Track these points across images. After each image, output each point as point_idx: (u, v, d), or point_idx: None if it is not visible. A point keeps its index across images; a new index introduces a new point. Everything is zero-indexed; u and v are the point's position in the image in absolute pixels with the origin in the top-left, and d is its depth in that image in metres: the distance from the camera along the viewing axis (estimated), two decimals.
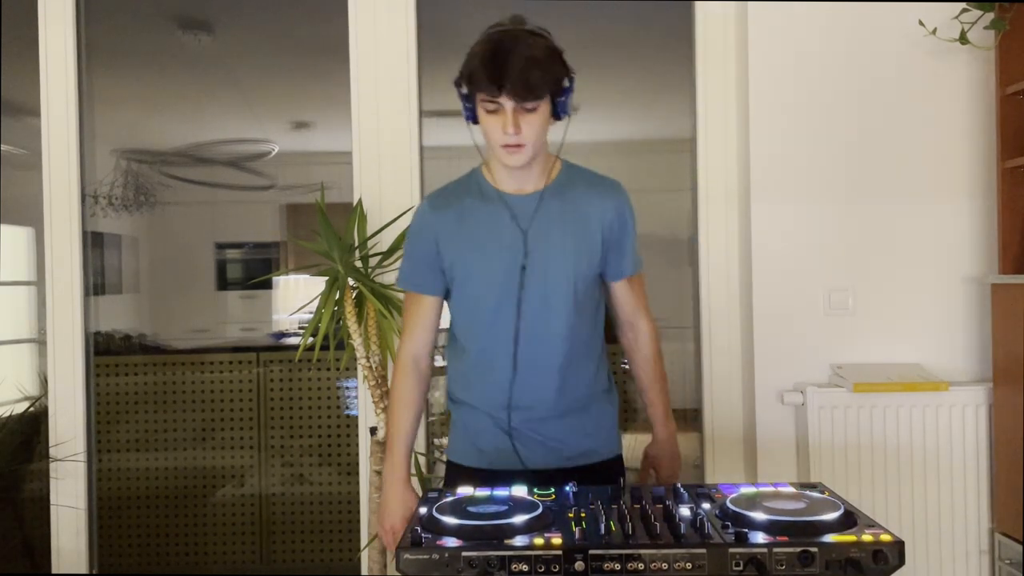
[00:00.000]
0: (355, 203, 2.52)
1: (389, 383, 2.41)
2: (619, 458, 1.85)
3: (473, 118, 1.69)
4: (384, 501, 1.80)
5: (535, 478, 1.62)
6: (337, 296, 2.33)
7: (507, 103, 1.60)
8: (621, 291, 1.83)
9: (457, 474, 1.81)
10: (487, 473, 1.75)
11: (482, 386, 1.78)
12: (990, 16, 2.37)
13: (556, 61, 1.65)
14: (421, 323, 1.82)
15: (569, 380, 1.76)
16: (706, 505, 1.37)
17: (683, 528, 1.24)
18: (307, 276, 2.50)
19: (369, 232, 2.46)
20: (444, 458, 1.91)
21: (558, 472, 1.70)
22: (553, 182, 1.76)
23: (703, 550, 1.17)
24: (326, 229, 2.34)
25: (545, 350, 1.74)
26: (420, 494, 1.72)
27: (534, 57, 1.60)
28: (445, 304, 1.84)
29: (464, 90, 1.68)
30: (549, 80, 1.62)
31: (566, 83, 1.66)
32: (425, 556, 1.18)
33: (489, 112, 1.63)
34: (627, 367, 1.94)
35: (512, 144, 1.63)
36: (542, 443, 1.75)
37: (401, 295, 2.46)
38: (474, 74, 1.62)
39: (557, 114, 1.68)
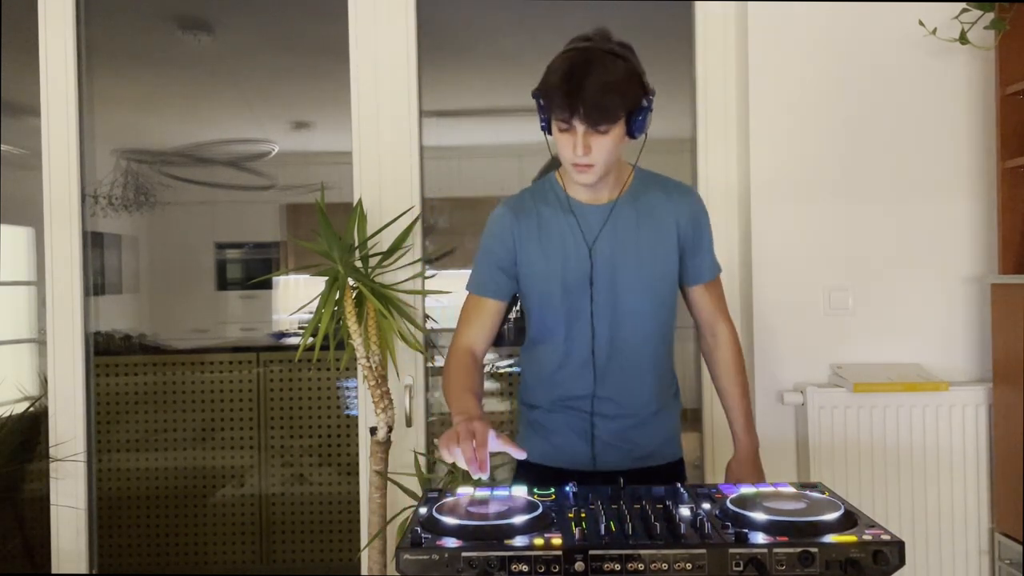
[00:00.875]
0: (355, 203, 2.52)
1: (389, 383, 2.42)
2: (681, 461, 1.89)
3: (548, 129, 1.69)
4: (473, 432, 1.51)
5: (603, 479, 1.63)
6: (337, 296, 2.33)
7: (579, 126, 1.61)
8: (699, 296, 1.85)
9: (528, 472, 1.81)
10: (556, 472, 1.78)
11: (563, 390, 1.80)
12: (990, 16, 2.37)
13: (634, 84, 1.63)
14: (480, 320, 1.81)
15: (650, 385, 1.79)
16: (706, 505, 1.37)
17: (683, 528, 1.24)
18: (307, 276, 2.50)
19: (369, 232, 2.46)
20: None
21: (626, 473, 1.69)
22: (626, 192, 1.77)
23: (703, 550, 1.17)
24: (326, 229, 2.34)
25: (625, 357, 1.76)
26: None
27: (610, 82, 1.58)
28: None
29: (541, 102, 1.67)
30: (624, 105, 1.61)
31: (644, 103, 1.65)
32: (425, 556, 1.18)
33: (562, 131, 1.64)
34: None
35: (582, 164, 1.64)
36: (617, 446, 1.78)
37: (402, 295, 2.47)
38: (549, 94, 1.62)
39: (632, 132, 1.67)
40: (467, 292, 1.86)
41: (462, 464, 1.41)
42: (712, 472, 2.64)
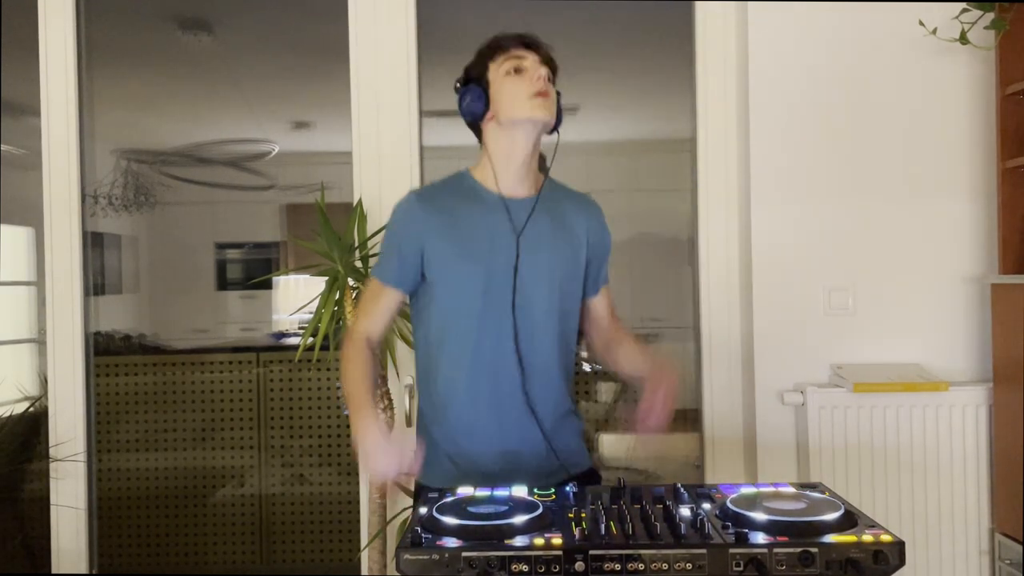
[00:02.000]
0: (355, 203, 2.52)
1: (389, 383, 2.42)
2: (594, 471, 1.87)
3: (482, 106, 1.71)
4: (369, 453, 1.61)
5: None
6: (337, 296, 2.33)
7: (533, 57, 1.69)
8: (599, 302, 1.89)
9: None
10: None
11: (485, 393, 1.73)
12: (990, 16, 2.37)
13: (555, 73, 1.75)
14: (380, 310, 1.79)
15: (561, 386, 1.79)
16: (706, 505, 1.37)
17: (683, 528, 1.24)
18: (307, 276, 2.50)
19: (369, 232, 2.46)
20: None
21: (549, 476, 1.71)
22: (543, 190, 1.78)
23: (703, 550, 1.17)
24: (326, 229, 2.34)
25: (543, 353, 1.74)
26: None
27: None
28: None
29: (474, 74, 1.73)
30: (554, 76, 1.72)
31: (560, 101, 1.75)
32: (425, 556, 1.18)
33: (515, 72, 1.69)
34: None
35: (543, 91, 1.68)
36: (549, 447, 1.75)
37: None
38: (501, 43, 1.71)
39: (554, 126, 1.75)
40: (371, 277, 1.82)
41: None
42: (712, 472, 2.64)
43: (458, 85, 1.76)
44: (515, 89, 1.68)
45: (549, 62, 1.72)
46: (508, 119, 1.70)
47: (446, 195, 1.78)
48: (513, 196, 1.75)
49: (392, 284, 1.77)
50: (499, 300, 1.71)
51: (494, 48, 1.71)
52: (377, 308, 1.79)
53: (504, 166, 1.74)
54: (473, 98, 1.71)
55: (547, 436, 1.74)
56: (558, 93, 1.74)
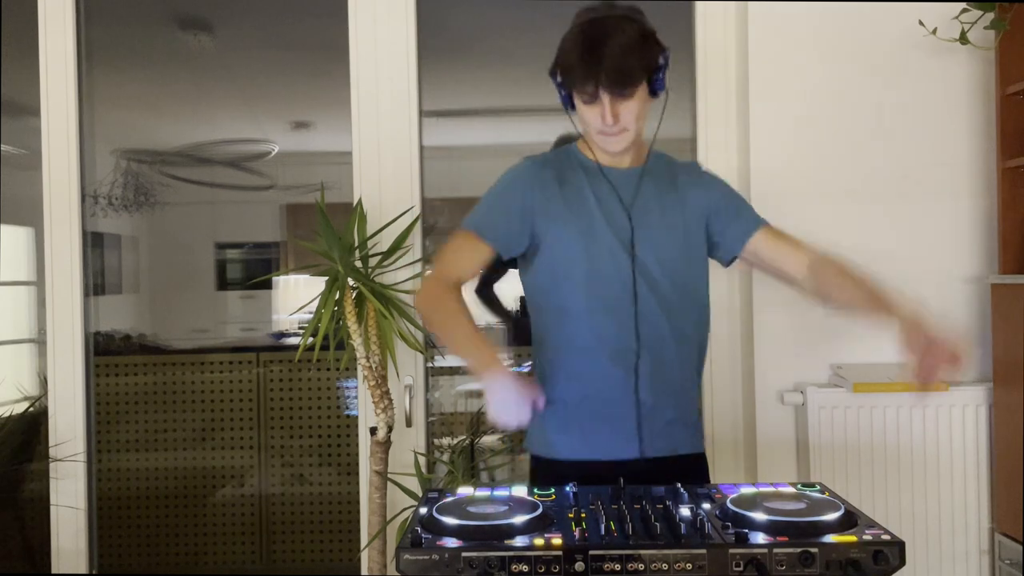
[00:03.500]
0: (355, 203, 2.52)
1: (389, 383, 2.41)
2: (703, 456, 1.85)
3: (570, 104, 1.70)
4: (501, 402, 1.52)
5: (647, 467, 1.64)
6: (337, 296, 2.33)
7: (603, 95, 1.62)
8: (764, 243, 1.80)
9: (552, 470, 1.72)
10: (593, 464, 1.69)
11: (597, 370, 1.71)
12: (990, 16, 2.36)
13: (649, 43, 1.65)
14: (473, 260, 1.73)
15: (683, 363, 1.77)
16: (706, 505, 1.37)
17: (683, 528, 1.24)
18: (307, 276, 2.50)
19: (369, 232, 2.46)
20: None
21: (663, 461, 1.70)
22: (649, 161, 1.78)
23: (703, 550, 1.17)
24: (326, 229, 2.34)
25: (659, 327, 1.71)
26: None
27: (627, 46, 1.60)
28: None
29: (559, 79, 1.69)
30: (643, 66, 1.63)
31: (660, 61, 1.66)
32: (425, 556, 1.18)
33: (586, 103, 1.65)
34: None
35: (613, 132, 1.66)
36: (665, 426, 1.73)
37: (402, 295, 2.47)
38: (568, 69, 1.64)
39: (654, 91, 1.68)
40: (463, 229, 1.74)
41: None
42: (712, 472, 2.62)
43: (554, 76, 1.70)
44: (588, 118, 1.67)
45: (626, 82, 1.60)
46: (587, 137, 1.73)
47: (557, 162, 1.78)
48: (615, 166, 1.75)
49: (490, 240, 1.71)
50: (619, 272, 1.70)
51: (566, 71, 1.65)
52: (471, 256, 1.73)
53: (598, 151, 1.75)
54: (561, 96, 1.71)
55: (641, 421, 1.71)
56: (665, 56, 1.66)
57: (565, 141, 1.86)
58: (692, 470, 1.79)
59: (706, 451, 1.89)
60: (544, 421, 1.72)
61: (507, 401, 1.50)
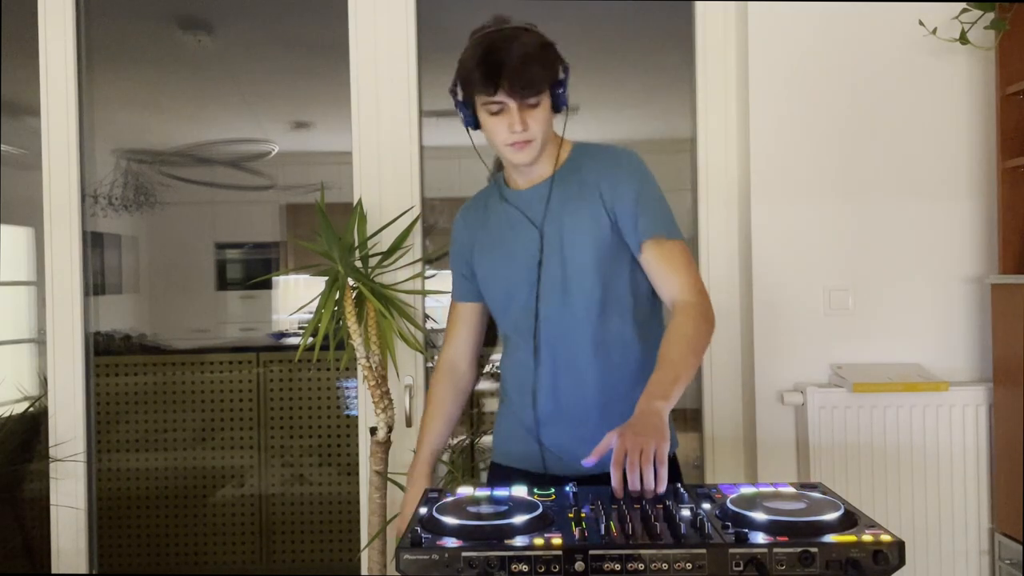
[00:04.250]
0: (355, 203, 2.52)
1: (389, 383, 2.42)
2: (672, 457, 1.69)
3: (473, 123, 1.70)
4: (405, 503, 1.85)
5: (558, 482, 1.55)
6: (337, 296, 2.33)
7: (509, 101, 1.61)
8: (646, 260, 1.68)
9: (496, 474, 1.84)
10: (521, 473, 1.77)
11: (514, 384, 1.79)
12: (990, 16, 2.37)
13: (550, 53, 1.65)
14: (458, 329, 1.90)
15: (606, 375, 1.69)
16: (706, 505, 1.37)
17: (683, 528, 1.24)
18: (307, 276, 2.50)
19: (369, 232, 2.46)
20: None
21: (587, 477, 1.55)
22: (563, 166, 1.74)
23: (703, 550, 1.17)
24: (326, 229, 2.34)
25: (569, 343, 1.69)
26: None
27: (528, 53, 1.59)
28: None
29: (460, 97, 1.68)
30: (546, 74, 1.63)
31: (561, 75, 1.66)
32: (425, 556, 1.18)
33: (492, 114, 1.64)
34: None
35: (520, 141, 1.64)
36: (567, 448, 1.70)
37: (402, 295, 2.47)
38: (469, 78, 1.62)
39: (556, 106, 1.69)
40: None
41: None
42: (712, 472, 2.64)
43: (454, 94, 1.71)
44: (493, 132, 1.66)
45: (530, 85, 1.59)
46: (495, 150, 1.73)
47: (481, 199, 1.86)
48: (529, 185, 1.76)
49: (457, 299, 1.90)
50: (525, 291, 1.73)
51: (468, 83, 1.63)
52: (453, 327, 1.91)
53: (510, 167, 1.76)
54: (465, 118, 1.70)
55: (541, 442, 1.74)
56: (565, 69, 1.66)
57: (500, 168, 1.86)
58: None
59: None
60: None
61: (406, 507, 1.72)
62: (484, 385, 3.35)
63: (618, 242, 1.69)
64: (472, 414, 3.03)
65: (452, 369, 1.90)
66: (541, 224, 1.71)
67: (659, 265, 1.67)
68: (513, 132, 1.62)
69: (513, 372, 1.79)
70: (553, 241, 1.70)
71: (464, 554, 1.17)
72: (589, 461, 1.45)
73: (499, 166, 1.85)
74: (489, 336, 1.96)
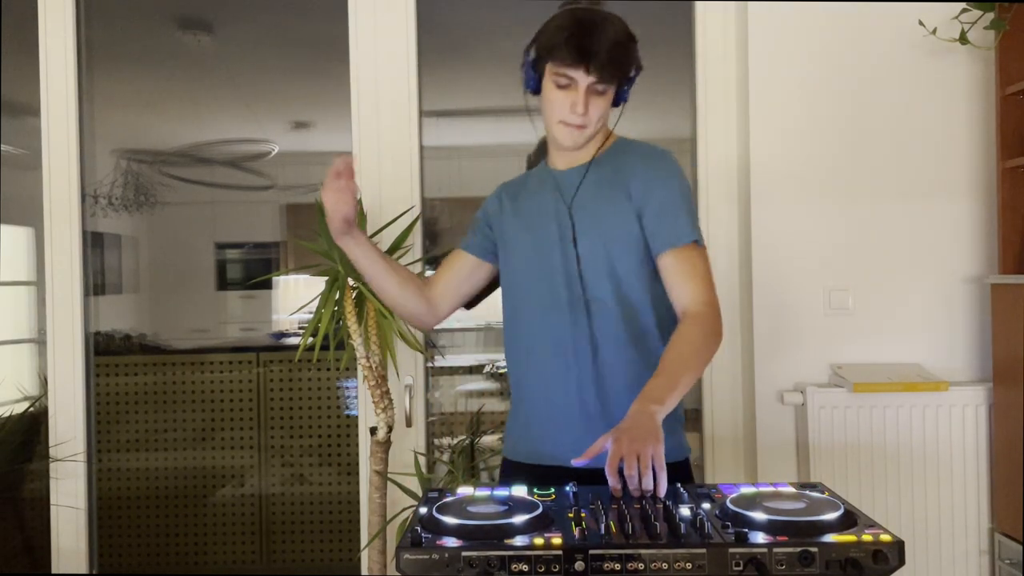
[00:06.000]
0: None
1: (389, 383, 2.42)
2: (685, 463, 1.75)
3: (535, 88, 1.69)
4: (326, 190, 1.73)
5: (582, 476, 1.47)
6: (337, 296, 2.33)
7: (583, 80, 1.60)
8: (664, 267, 1.66)
9: (512, 472, 1.76)
10: (543, 469, 1.68)
11: (541, 343, 1.71)
12: (990, 16, 2.37)
13: (633, 48, 1.66)
14: (445, 271, 1.89)
15: (635, 364, 1.66)
16: (706, 505, 1.37)
17: (683, 528, 1.24)
18: (307, 276, 2.50)
19: (369, 232, 2.46)
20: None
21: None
22: (602, 154, 1.73)
23: (703, 550, 1.17)
24: (326, 229, 2.33)
25: (608, 325, 1.66)
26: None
27: (618, 41, 1.61)
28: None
29: (531, 57, 1.67)
30: (626, 66, 1.64)
31: (633, 72, 1.68)
32: (425, 556, 1.18)
33: (559, 87, 1.63)
34: None
35: (575, 124, 1.64)
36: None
37: None
38: (557, 47, 1.60)
39: (617, 101, 1.70)
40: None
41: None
42: (712, 472, 2.64)
43: (527, 54, 1.69)
44: (552, 104, 1.65)
45: (614, 72, 1.61)
46: (546, 124, 1.72)
47: (521, 179, 1.87)
48: (568, 167, 1.74)
49: (461, 246, 1.90)
50: (556, 270, 1.70)
51: (549, 49, 1.62)
52: (441, 269, 1.92)
53: (554, 147, 1.76)
54: (528, 77, 1.70)
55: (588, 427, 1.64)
56: (638, 68, 1.67)
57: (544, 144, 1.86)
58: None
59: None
60: (508, 419, 1.82)
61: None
62: (485, 385, 3.35)
63: (639, 238, 1.68)
64: (472, 414, 3.03)
65: (424, 282, 1.89)
66: (570, 204, 1.71)
67: (675, 272, 1.65)
68: (574, 112, 1.62)
69: (538, 359, 1.71)
70: (584, 220, 1.69)
71: (464, 554, 1.17)
72: (580, 461, 1.44)
73: (538, 155, 1.86)
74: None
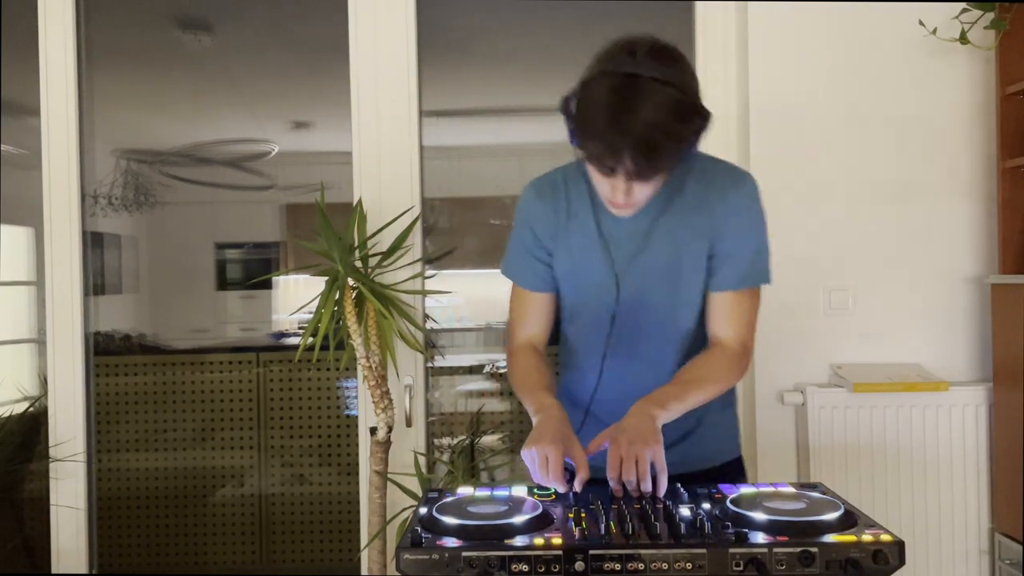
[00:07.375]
0: (355, 203, 2.52)
1: (389, 383, 2.41)
2: (737, 460, 1.74)
3: (579, 146, 1.48)
4: (540, 428, 1.50)
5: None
6: (337, 296, 2.33)
7: (622, 171, 1.40)
8: (713, 298, 1.59)
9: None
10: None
11: (574, 387, 1.69)
12: (990, 16, 2.37)
13: (687, 118, 1.38)
14: (531, 314, 1.66)
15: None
16: (706, 505, 1.37)
17: (683, 528, 1.24)
18: (307, 276, 2.50)
19: (369, 232, 2.46)
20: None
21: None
22: (665, 188, 1.54)
23: (703, 550, 1.17)
24: (326, 229, 2.34)
25: (640, 365, 1.62)
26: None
27: (660, 124, 1.34)
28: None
29: (570, 127, 1.44)
30: (674, 152, 1.39)
31: (693, 137, 1.41)
32: (425, 556, 1.18)
33: (601, 172, 1.43)
34: None
35: (621, 205, 1.48)
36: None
37: (402, 295, 2.47)
38: (588, 141, 1.40)
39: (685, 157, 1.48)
40: (504, 275, 1.70)
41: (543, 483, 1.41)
42: None
43: (566, 111, 1.44)
44: (596, 181, 1.48)
45: (649, 168, 1.38)
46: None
47: (564, 183, 1.62)
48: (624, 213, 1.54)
49: (528, 287, 1.66)
50: (606, 288, 1.59)
51: (583, 135, 1.40)
52: (527, 312, 1.67)
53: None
54: (572, 138, 1.45)
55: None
56: (705, 125, 1.40)
57: None
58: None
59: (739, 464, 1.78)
60: None
61: (538, 474, 1.44)
62: (485, 385, 3.35)
63: (703, 285, 1.59)
64: (472, 415, 3.03)
65: (530, 348, 1.66)
66: (621, 269, 1.59)
67: (724, 310, 1.59)
68: (616, 197, 1.46)
69: (575, 376, 1.68)
70: (633, 292, 1.59)
71: (464, 554, 1.17)
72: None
73: None
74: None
